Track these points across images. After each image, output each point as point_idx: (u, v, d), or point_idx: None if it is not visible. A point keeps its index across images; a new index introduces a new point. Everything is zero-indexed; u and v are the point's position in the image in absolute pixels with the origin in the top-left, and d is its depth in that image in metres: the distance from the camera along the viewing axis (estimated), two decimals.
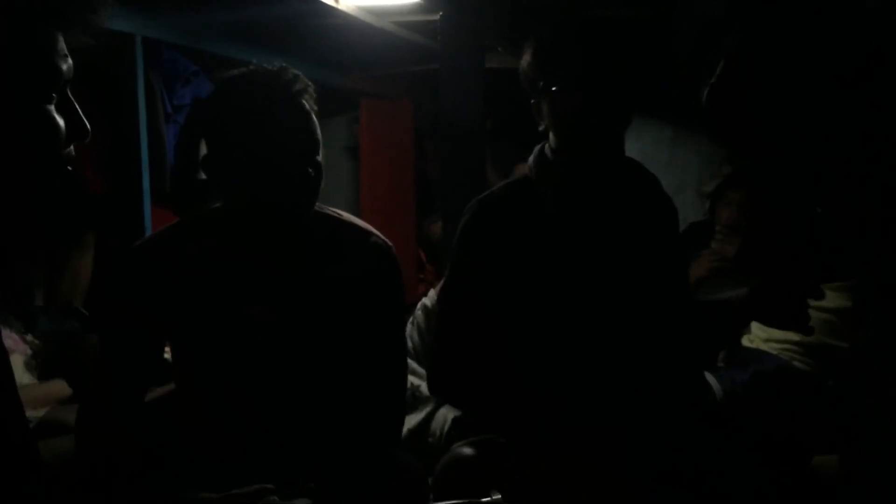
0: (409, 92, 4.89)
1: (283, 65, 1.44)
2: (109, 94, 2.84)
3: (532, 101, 1.61)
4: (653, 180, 1.70)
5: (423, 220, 4.88)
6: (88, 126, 0.84)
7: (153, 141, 3.05)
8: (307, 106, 1.41)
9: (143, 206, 2.96)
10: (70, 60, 0.83)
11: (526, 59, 1.60)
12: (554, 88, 1.52)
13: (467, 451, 1.56)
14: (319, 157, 1.44)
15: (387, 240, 1.58)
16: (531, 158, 1.67)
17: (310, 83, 1.44)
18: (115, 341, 1.50)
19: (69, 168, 0.84)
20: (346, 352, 1.50)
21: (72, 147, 0.84)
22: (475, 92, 2.76)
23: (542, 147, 1.65)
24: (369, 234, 1.57)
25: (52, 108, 0.81)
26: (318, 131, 1.44)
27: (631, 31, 1.59)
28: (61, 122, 0.81)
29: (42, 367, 2.40)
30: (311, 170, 1.42)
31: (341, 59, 4.10)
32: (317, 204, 1.58)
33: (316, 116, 1.44)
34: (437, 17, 2.85)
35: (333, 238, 1.53)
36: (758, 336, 2.70)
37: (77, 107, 0.84)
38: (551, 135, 1.61)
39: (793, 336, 2.51)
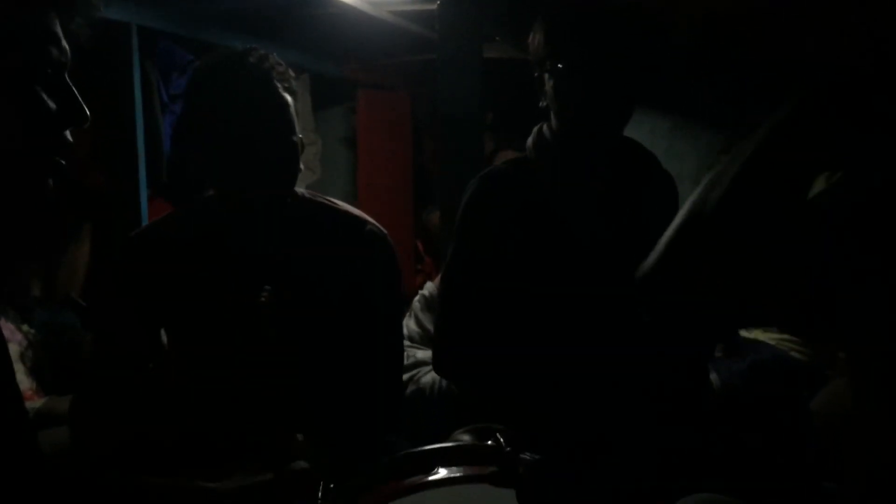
0: (406, 82, 4.88)
1: (252, 46, 1.44)
2: (105, 84, 2.82)
3: (536, 74, 1.61)
4: (652, 159, 1.70)
5: (421, 210, 4.88)
6: (87, 111, 0.83)
7: (149, 131, 3.04)
8: (278, 85, 1.41)
9: (140, 196, 2.95)
10: (66, 44, 0.82)
11: (537, 35, 1.59)
12: (560, 66, 1.52)
13: (466, 438, 1.56)
14: (295, 136, 1.43)
15: (382, 228, 1.58)
16: (530, 139, 1.67)
17: (280, 62, 1.43)
18: (111, 330, 1.50)
19: (63, 158, 0.83)
20: (342, 340, 1.49)
21: (68, 134, 0.83)
22: (473, 82, 2.75)
23: (541, 127, 1.65)
24: (365, 222, 1.57)
25: (44, 91, 0.80)
26: (292, 110, 1.43)
27: (639, 20, 1.58)
28: (52, 105, 0.80)
29: (36, 358, 2.40)
30: (285, 148, 1.41)
31: (338, 49, 4.09)
32: (311, 192, 1.58)
33: (290, 95, 1.43)
34: (434, 6, 2.84)
35: (329, 227, 1.53)
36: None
37: (75, 91, 0.83)
38: (551, 113, 1.61)
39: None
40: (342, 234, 1.53)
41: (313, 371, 1.49)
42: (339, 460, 1.38)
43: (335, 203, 1.59)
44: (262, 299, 1.44)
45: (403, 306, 1.67)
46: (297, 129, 1.44)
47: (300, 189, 1.55)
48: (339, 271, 1.50)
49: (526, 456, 1.03)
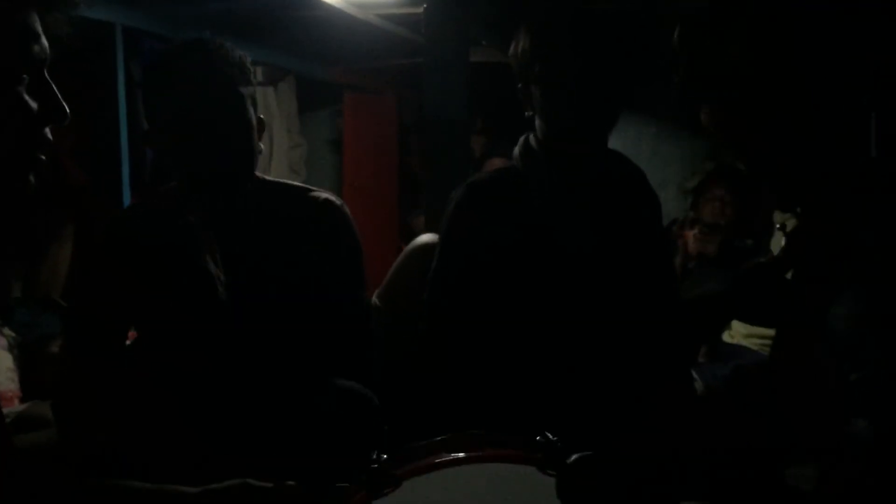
0: (393, 86, 4.88)
1: (205, 36, 1.45)
2: (89, 83, 2.80)
3: (520, 85, 1.60)
4: (638, 173, 1.71)
5: (407, 214, 4.88)
6: (67, 108, 0.83)
7: (133, 132, 3.02)
8: (231, 75, 1.41)
9: (123, 197, 2.94)
10: (45, 42, 0.81)
11: (522, 43, 1.58)
12: (548, 72, 1.51)
13: None
14: (241, 118, 1.42)
15: (331, 196, 1.57)
16: (517, 148, 1.66)
17: (235, 50, 1.43)
18: (83, 327, 1.50)
19: (44, 155, 0.83)
20: (303, 310, 1.47)
21: (48, 132, 0.83)
22: (460, 85, 2.76)
23: (528, 137, 1.64)
24: (309, 190, 1.57)
25: (23, 89, 0.79)
26: (244, 101, 1.42)
27: (628, 24, 1.58)
28: (33, 104, 0.80)
29: (18, 359, 2.38)
30: (234, 139, 1.41)
31: (325, 52, 4.08)
32: (264, 176, 1.57)
33: (245, 86, 1.42)
34: (421, 9, 2.85)
35: (274, 199, 1.53)
36: (738, 332, 2.72)
37: (55, 89, 0.82)
38: (537, 122, 1.60)
39: (774, 332, 2.53)
40: (287, 204, 1.53)
41: (276, 355, 1.47)
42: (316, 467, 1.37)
43: (285, 182, 1.60)
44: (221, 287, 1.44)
45: (364, 277, 1.63)
46: (247, 110, 1.43)
47: (260, 175, 1.55)
48: (298, 246, 1.49)
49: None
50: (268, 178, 1.58)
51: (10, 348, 2.38)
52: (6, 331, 2.42)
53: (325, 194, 1.57)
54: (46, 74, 0.82)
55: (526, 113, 1.61)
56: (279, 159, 4.39)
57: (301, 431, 1.36)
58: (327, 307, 1.49)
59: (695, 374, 2.33)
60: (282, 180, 1.61)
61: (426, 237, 2.16)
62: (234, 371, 1.45)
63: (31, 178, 0.82)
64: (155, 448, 1.38)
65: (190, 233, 1.47)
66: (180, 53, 1.43)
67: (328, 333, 1.50)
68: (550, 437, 1.03)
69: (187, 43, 1.45)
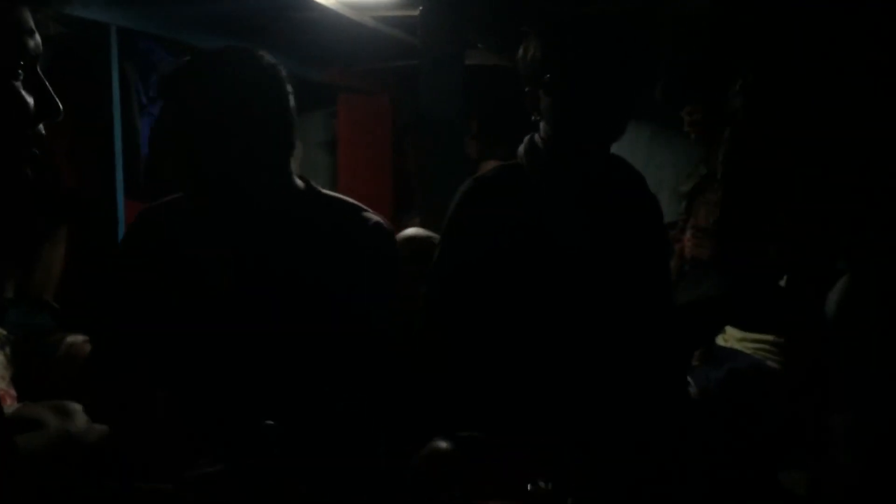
0: (387, 88, 4.88)
1: (257, 49, 1.43)
2: (84, 84, 2.80)
3: (527, 90, 1.60)
4: (638, 177, 1.72)
5: (402, 216, 4.87)
6: (60, 104, 0.83)
7: (127, 133, 3.02)
8: (280, 90, 1.40)
9: (117, 198, 2.93)
10: (38, 37, 0.81)
11: (532, 50, 1.58)
12: (559, 80, 1.52)
13: (443, 444, 1.56)
14: (283, 131, 1.42)
15: (382, 220, 1.53)
16: (521, 147, 1.67)
17: (281, 67, 1.43)
18: (107, 333, 1.50)
19: (38, 150, 0.83)
20: (329, 329, 1.46)
21: (42, 128, 0.83)
22: (455, 88, 2.76)
23: (533, 136, 1.65)
24: (362, 209, 1.54)
25: (20, 84, 0.79)
26: (289, 116, 1.42)
27: (635, 30, 1.58)
28: (29, 99, 0.80)
29: (10, 360, 2.37)
30: (271, 152, 1.41)
31: (320, 54, 4.08)
32: (311, 183, 1.56)
33: (285, 102, 1.42)
34: (416, 12, 2.85)
35: (322, 212, 1.51)
36: (732, 335, 2.72)
37: (47, 84, 0.82)
38: (543, 125, 1.61)
39: (767, 336, 2.53)
40: (346, 224, 1.50)
41: (299, 356, 1.45)
42: (321, 455, 1.36)
43: (344, 198, 1.57)
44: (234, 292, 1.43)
45: (398, 304, 1.60)
46: (276, 119, 1.42)
47: (303, 182, 1.53)
48: (338, 262, 1.46)
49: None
50: (323, 190, 1.55)
51: (2, 345, 2.37)
52: (0, 331, 2.41)
53: (376, 217, 1.53)
54: (39, 70, 0.82)
55: (532, 117, 1.62)
56: None
57: (308, 439, 1.37)
58: (357, 328, 1.47)
59: (689, 378, 2.33)
60: (336, 194, 1.57)
61: (410, 230, 2.20)
62: (246, 373, 1.45)
63: (28, 171, 0.82)
64: (162, 450, 1.38)
65: (215, 237, 1.46)
66: (231, 58, 1.41)
67: (352, 351, 1.48)
68: (542, 485, 1.03)
69: (236, 49, 1.44)
